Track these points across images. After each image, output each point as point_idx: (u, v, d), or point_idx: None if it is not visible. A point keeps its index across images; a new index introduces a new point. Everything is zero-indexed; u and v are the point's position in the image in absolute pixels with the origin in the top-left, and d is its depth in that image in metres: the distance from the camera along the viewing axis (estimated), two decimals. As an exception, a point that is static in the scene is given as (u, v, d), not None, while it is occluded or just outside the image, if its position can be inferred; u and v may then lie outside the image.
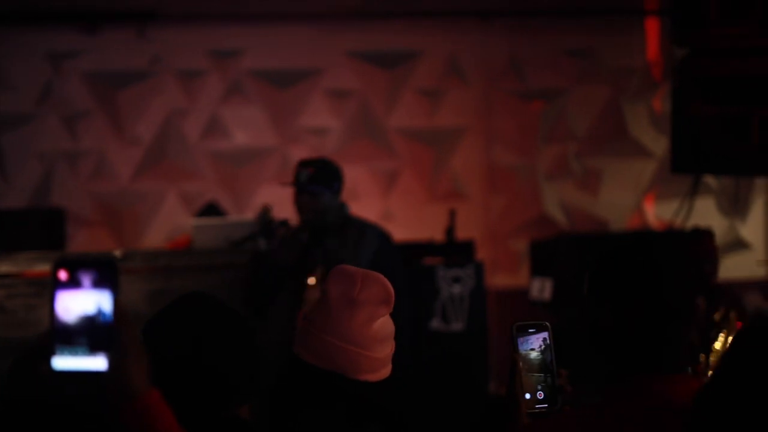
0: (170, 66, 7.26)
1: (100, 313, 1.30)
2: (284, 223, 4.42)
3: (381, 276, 2.18)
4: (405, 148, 7.50)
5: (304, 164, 4.22)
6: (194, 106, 7.33)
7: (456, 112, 7.54)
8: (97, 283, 1.30)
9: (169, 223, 7.26)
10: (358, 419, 2.14)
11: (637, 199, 7.65)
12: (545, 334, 1.98)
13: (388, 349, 2.18)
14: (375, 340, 2.14)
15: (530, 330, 1.98)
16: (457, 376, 5.41)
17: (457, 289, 5.48)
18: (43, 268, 5.58)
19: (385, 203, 7.50)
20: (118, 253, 5.32)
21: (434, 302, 5.47)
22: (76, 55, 7.20)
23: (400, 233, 7.15)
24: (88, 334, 1.29)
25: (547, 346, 1.98)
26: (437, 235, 6.60)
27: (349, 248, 4.20)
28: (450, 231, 5.91)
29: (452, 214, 5.97)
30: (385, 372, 2.17)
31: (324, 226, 4.20)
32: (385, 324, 2.16)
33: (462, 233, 6.49)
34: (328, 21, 7.41)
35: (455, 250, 5.79)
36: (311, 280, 4.07)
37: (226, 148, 7.37)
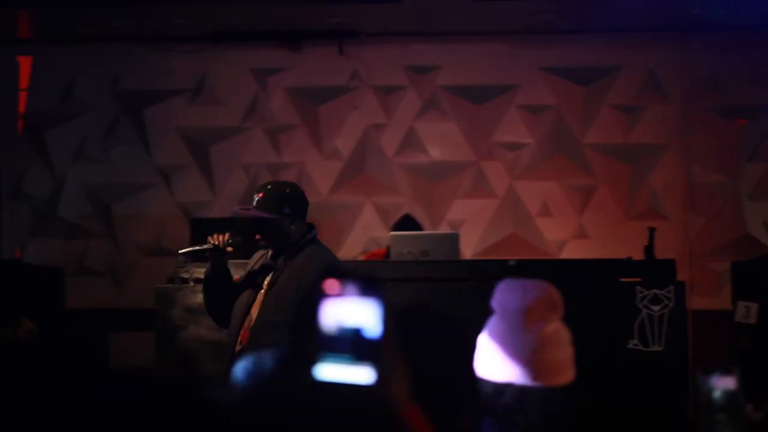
0: (368, 82, 7.45)
1: (365, 325, 1.31)
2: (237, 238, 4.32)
3: (546, 283, 2.20)
4: (600, 165, 7.40)
5: (258, 188, 4.18)
6: (391, 121, 7.49)
7: (654, 128, 7.37)
8: (364, 295, 1.32)
9: (365, 234, 7.43)
10: (541, 427, 2.12)
11: None
12: (732, 379, 1.94)
13: (565, 353, 2.18)
14: (549, 344, 2.15)
15: (717, 373, 1.95)
16: (656, 398, 5.27)
17: (656, 309, 5.34)
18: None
19: (579, 220, 7.41)
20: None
21: (632, 322, 5.36)
22: (280, 71, 7.49)
23: (594, 251, 7.06)
24: (353, 345, 1.31)
25: (734, 390, 1.93)
26: (633, 253, 6.44)
27: (292, 278, 4.03)
28: (649, 250, 5.76)
29: (652, 233, 5.82)
30: (567, 376, 2.17)
31: (277, 251, 4.11)
32: (558, 329, 2.18)
33: (659, 253, 6.31)
34: (524, 37, 7.41)
35: (654, 270, 5.64)
36: (256, 302, 4.08)
37: (421, 162, 7.48)
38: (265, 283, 4.11)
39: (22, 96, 7.60)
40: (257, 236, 4.12)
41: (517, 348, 2.14)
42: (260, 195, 4.10)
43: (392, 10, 6.90)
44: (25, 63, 7.59)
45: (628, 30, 7.31)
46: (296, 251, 4.13)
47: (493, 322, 2.20)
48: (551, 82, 7.44)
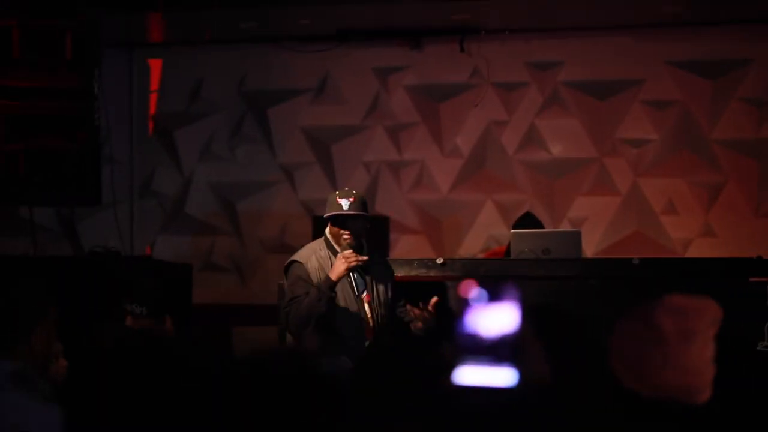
0: (489, 79, 7.41)
1: (507, 328, 1.32)
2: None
3: (710, 301, 2.15)
4: (729, 161, 7.18)
5: (341, 193, 4.63)
6: (512, 117, 7.44)
7: (787, 123, 7.11)
8: (504, 299, 1.33)
9: (485, 232, 7.41)
10: None
11: None
12: None
13: (714, 365, 2.14)
14: (709, 363, 2.12)
15: None
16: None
17: (792, 312, 5.16)
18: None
19: (706, 218, 7.22)
20: (439, 260, 5.49)
21: (763, 323, 5.19)
22: (401, 69, 7.54)
23: (722, 250, 6.86)
24: (494, 348, 1.32)
25: None
26: (764, 252, 6.23)
27: (381, 271, 4.71)
28: (781, 249, 5.57)
29: (783, 231, 5.64)
30: (712, 386, 2.13)
31: (360, 249, 4.58)
32: (714, 345, 2.13)
33: (791, 251, 6.11)
34: (648, 30, 7.25)
35: (786, 270, 5.45)
36: (366, 298, 4.59)
37: (542, 159, 7.41)
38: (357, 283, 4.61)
39: (153, 97, 7.87)
40: (347, 236, 4.55)
41: (685, 370, 2.10)
42: (353, 199, 4.58)
43: (513, 6, 6.86)
44: (155, 65, 7.86)
45: (759, 20, 7.07)
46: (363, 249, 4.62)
47: (654, 340, 2.13)
48: (677, 77, 7.26)
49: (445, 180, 7.49)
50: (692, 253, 7.10)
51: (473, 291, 1.27)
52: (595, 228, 7.24)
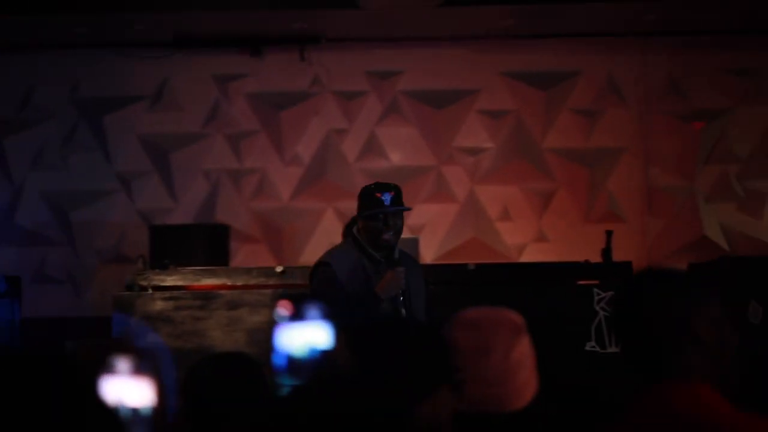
0: (330, 87, 7.45)
1: (317, 345, 1.33)
2: None
3: (506, 312, 2.14)
4: (560, 169, 7.45)
5: (382, 186, 4.18)
6: (352, 126, 7.50)
7: (613, 132, 7.44)
8: (316, 318, 1.35)
9: (326, 240, 7.42)
10: None
11: (804, 223, 7.35)
12: None
13: (528, 370, 2.14)
14: (517, 370, 2.12)
15: None
16: (613, 400, 5.32)
17: (613, 311, 5.39)
18: (209, 282, 5.82)
19: (539, 224, 7.46)
20: (279, 269, 5.48)
21: (590, 324, 5.41)
22: (242, 77, 7.48)
23: (554, 254, 7.11)
24: (306, 365, 1.33)
25: None
26: (592, 256, 6.50)
27: (410, 268, 4.13)
28: (606, 252, 5.82)
29: (609, 235, 5.88)
30: (532, 389, 2.14)
31: (391, 249, 4.11)
32: (523, 350, 2.13)
33: (618, 255, 6.36)
34: (484, 42, 7.45)
35: (611, 272, 5.70)
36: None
37: (382, 167, 7.49)
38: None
39: (-20, 103, 7.54)
40: (386, 235, 4.05)
41: (486, 384, 2.09)
42: (393, 193, 4.12)
43: (354, 16, 6.91)
44: (-18, 70, 7.54)
45: (587, 34, 7.37)
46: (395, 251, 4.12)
47: (454, 355, 2.10)
48: (511, 87, 7.48)
49: (285, 188, 7.47)
50: (526, 257, 7.32)
51: (285, 309, 1.25)
52: (433, 234, 7.38)
